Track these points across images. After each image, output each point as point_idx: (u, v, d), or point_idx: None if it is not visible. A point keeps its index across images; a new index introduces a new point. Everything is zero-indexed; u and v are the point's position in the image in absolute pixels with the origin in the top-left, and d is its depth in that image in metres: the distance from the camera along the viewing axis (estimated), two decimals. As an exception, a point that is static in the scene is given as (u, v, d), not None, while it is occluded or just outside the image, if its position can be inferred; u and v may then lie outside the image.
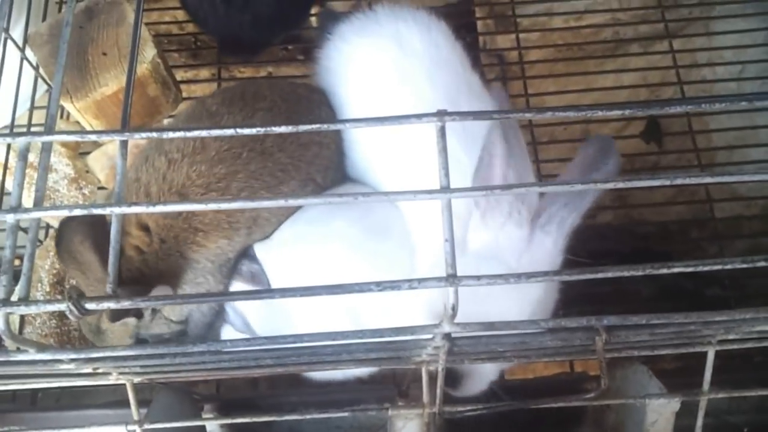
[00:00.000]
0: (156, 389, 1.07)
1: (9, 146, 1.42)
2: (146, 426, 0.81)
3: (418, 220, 1.18)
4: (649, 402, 0.91)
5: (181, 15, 1.79)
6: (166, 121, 1.57)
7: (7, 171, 1.45)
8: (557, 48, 1.82)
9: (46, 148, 0.61)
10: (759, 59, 1.71)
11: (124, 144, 0.59)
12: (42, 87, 1.51)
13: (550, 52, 1.81)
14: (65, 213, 0.56)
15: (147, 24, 1.56)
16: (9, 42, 1.38)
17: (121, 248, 0.67)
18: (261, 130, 0.61)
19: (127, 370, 0.75)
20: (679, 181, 0.63)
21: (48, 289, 1.34)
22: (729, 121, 1.66)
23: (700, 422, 0.87)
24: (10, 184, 1.45)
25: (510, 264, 1.02)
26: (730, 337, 0.78)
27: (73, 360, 0.65)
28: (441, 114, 0.63)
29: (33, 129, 1.51)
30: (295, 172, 1.19)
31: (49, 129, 0.61)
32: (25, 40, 1.43)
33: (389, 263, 1.16)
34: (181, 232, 1.12)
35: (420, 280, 0.57)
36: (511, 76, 1.80)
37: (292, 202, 0.58)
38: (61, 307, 0.54)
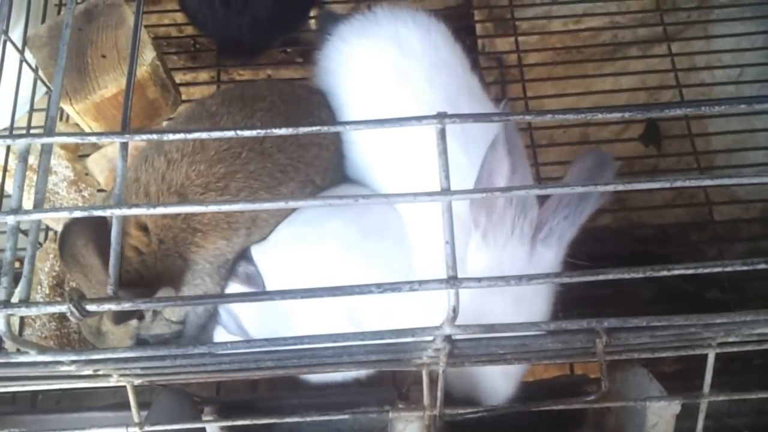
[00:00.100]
0: (156, 392, 1.07)
1: (8, 148, 1.42)
2: (147, 428, 0.81)
3: (417, 223, 1.18)
4: (649, 404, 0.91)
5: (180, 17, 1.79)
6: (165, 123, 1.57)
7: (7, 173, 1.45)
8: (556, 51, 1.82)
9: (47, 150, 0.61)
10: (757, 62, 1.72)
11: (124, 146, 0.59)
12: (41, 89, 1.51)
13: (549, 55, 1.81)
14: (66, 215, 0.56)
15: (146, 26, 1.56)
16: (8, 44, 1.38)
17: (120, 249, 0.67)
18: (261, 132, 0.61)
19: (127, 372, 0.75)
20: (678, 184, 0.63)
21: (48, 292, 1.34)
22: (728, 125, 1.66)
23: (700, 425, 0.87)
24: (9, 187, 1.45)
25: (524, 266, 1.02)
26: (730, 339, 0.78)
27: (73, 362, 0.65)
28: (441, 116, 0.63)
29: (32, 131, 1.51)
30: (294, 173, 1.19)
31: (49, 131, 0.61)
32: (25, 42, 1.43)
33: (385, 263, 1.16)
34: (179, 233, 1.12)
35: (421, 282, 0.57)
36: (509, 79, 1.80)
37: (293, 204, 0.58)
38: (62, 308, 0.54)
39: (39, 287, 1.36)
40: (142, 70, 1.37)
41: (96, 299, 0.54)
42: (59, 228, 1.47)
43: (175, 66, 1.79)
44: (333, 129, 0.64)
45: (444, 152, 0.61)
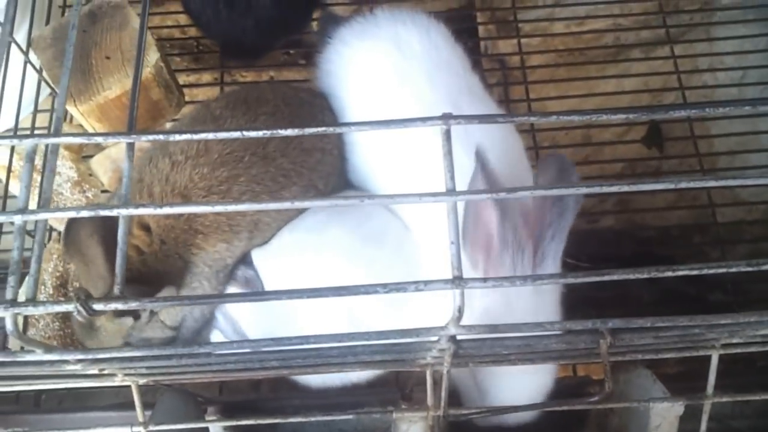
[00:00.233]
0: (159, 392, 1.07)
1: (13, 149, 1.43)
2: (151, 427, 0.81)
3: (422, 227, 1.18)
4: (652, 406, 0.91)
5: (183, 19, 1.79)
6: (168, 125, 1.57)
7: (11, 174, 1.46)
8: (559, 53, 1.82)
9: (53, 151, 0.61)
10: (760, 65, 1.72)
11: (130, 146, 0.60)
12: (44, 90, 1.52)
13: (552, 57, 1.81)
14: (73, 214, 0.56)
15: (149, 28, 1.56)
16: (12, 45, 1.38)
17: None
18: (267, 133, 0.61)
19: (132, 371, 0.75)
20: (683, 185, 0.64)
21: (51, 292, 1.34)
22: (731, 126, 1.66)
23: (704, 426, 0.87)
24: (12, 187, 1.46)
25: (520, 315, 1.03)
26: (734, 340, 0.78)
27: (79, 361, 0.65)
28: (446, 117, 0.63)
29: (36, 132, 1.51)
30: (297, 178, 1.19)
31: (56, 131, 0.61)
32: (29, 44, 1.43)
33: (386, 271, 1.16)
34: (181, 234, 1.13)
35: (426, 282, 0.57)
36: (512, 80, 1.80)
37: (298, 204, 0.58)
38: (69, 307, 0.54)
39: (43, 287, 1.36)
40: (146, 72, 1.38)
41: (103, 298, 0.55)
42: (63, 228, 1.47)
43: (178, 67, 1.79)
44: (338, 130, 0.64)
45: (449, 153, 0.61)
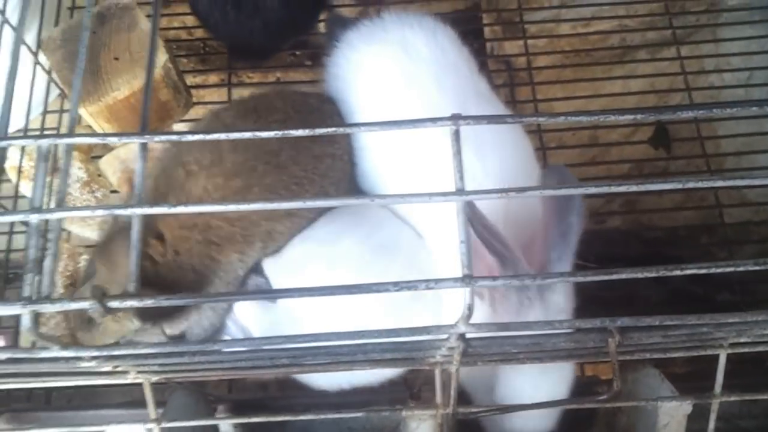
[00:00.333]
0: (170, 390, 1.08)
1: (23, 150, 1.44)
2: (164, 424, 0.82)
3: (434, 234, 1.18)
4: (661, 405, 0.91)
5: (189, 20, 1.81)
6: (176, 126, 1.58)
7: (21, 174, 1.47)
8: (565, 54, 1.82)
9: (68, 151, 0.62)
10: (767, 66, 1.72)
11: (143, 146, 0.61)
12: (54, 91, 1.53)
13: (558, 58, 1.82)
14: (88, 214, 0.57)
15: (158, 29, 1.57)
16: (22, 46, 1.39)
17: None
18: (279, 134, 0.62)
19: (145, 368, 0.76)
20: (690, 185, 0.64)
21: (62, 291, 1.36)
22: (737, 127, 1.66)
23: (712, 425, 0.88)
24: (22, 187, 1.47)
25: None
26: (742, 340, 0.78)
27: (94, 357, 0.66)
28: (455, 118, 0.64)
29: (45, 133, 1.52)
30: (309, 185, 1.20)
31: (71, 132, 0.62)
32: (38, 45, 1.44)
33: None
34: (195, 245, 1.13)
35: (437, 280, 0.58)
36: (518, 82, 1.81)
37: (310, 204, 0.59)
38: (86, 305, 0.55)
39: (53, 287, 1.37)
40: (155, 73, 1.38)
41: (118, 296, 0.56)
42: (73, 228, 1.48)
43: (184, 69, 1.80)
44: (348, 130, 0.65)
45: (458, 153, 0.61)
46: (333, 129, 0.63)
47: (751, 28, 1.74)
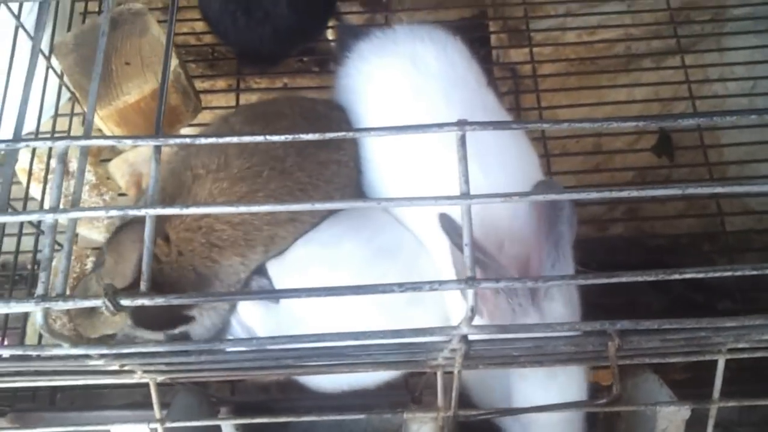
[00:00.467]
0: (174, 391, 1.10)
1: (34, 152, 1.46)
2: (168, 425, 0.83)
3: (435, 240, 1.19)
4: (659, 410, 0.92)
5: (198, 26, 1.82)
6: (185, 130, 1.60)
7: (30, 176, 1.49)
8: (570, 62, 1.84)
9: (83, 153, 0.63)
10: (771, 75, 1.73)
11: (158, 149, 0.62)
12: (65, 95, 1.55)
13: (563, 66, 1.83)
14: (102, 214, 0.58)
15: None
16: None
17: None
18: (289, 138, 0.64)
19: (152, 368, 0.77)
20: (690, 191, 0.65)
21: (68, 292, 1.37)
22: (740, 136, 1.67)
23: (710, 431, 0.89)
24: (32, 190, 1.49)
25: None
26: (740, 345, 0.79)
27: (102, 356, 0.67)
28: (461, 123, 0.65)
29: (55, 135, 1.55)
30: (314, 191, 1.22)
31: (87, 134, 0.64)
32: (51, 49, 1.46)
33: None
34: (198, 246, 1.15)
35: (441, 282, 0.59)
36: (524, 89, 1.82)
37: (318, 206, 0.60)
38: (98, 302, 0.56)
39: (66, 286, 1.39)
40: (165, 77, 1.40)
41: (130, 294, 0.57)
42: (81, 230, 1.50)
43: (193, 74, 1.82)
44: (356, 134, 0.66)
45: (464, 158, 0.63)
46: (342, 134, 0.65)
47: (756, 38, 1.76)
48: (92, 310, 1.14)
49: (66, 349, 0.65)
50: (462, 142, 0.61)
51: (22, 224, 1.50)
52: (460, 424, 0.88)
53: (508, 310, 1.02)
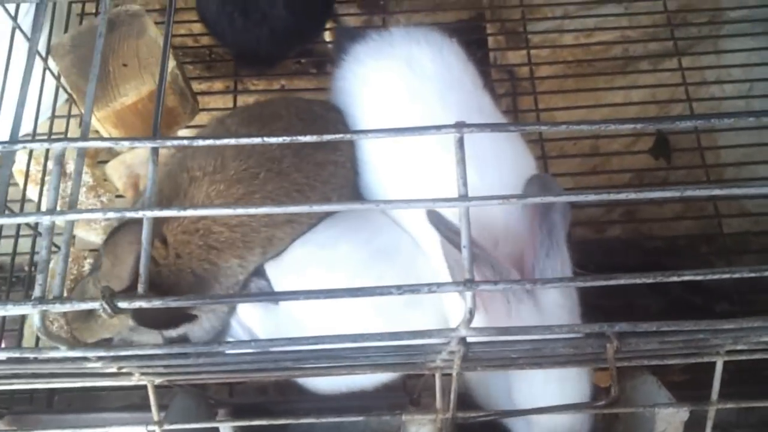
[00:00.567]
0: (172, 394, 1.09)
1: (31, 154, 1.46)
2: (166, 427, 0.83)
3: (432, 242, 1.19)
4: (658, 411, 0.92)
5: (196, 28, 1.82)
6: (182, 132, 1.60)
7: (28, 178, 1.48)
8: (567, 64, 1.84)
9: (80, 154, 0.63)
10: (767, 77, 1.73)
11: (155, 151, 0.62)
12: (61, 96, 1.55)
13: (561, 68, 1.83)
14: (99, 215, 0.58)
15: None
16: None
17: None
18: (287, 139, 0.64)
19: (150, 370, 0.77)
20: (689, 193, 0.65)
21: (66, 293, 1.37)
22: (737, 138, 1.67)
23: (708, 433, 0.89)
24: (29, 191, 1.48)
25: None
26: (739, 347, 0.79)
27: (100, 358, 0.67)
28: (459, 125, 0.65)
29: (52, 137, 1.54)
30: (311, 192, 1.22)
31: (84, 136, 0.64)
32: (48, 51, 1.46)
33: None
34: (195, 249, 1.15)
35: (439, 284, 0.59)
36: (521, 91, 1.82)
37: (317, 208, 0.60)
38: (95, 305, 0.56)
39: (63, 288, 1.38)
40: (162, 79, 1.40)
41: (127, 296, 0.57)
42: (78, 232, 1.50)
43: (190, 75, 1.81)
44: (354, 136, 0.66)
45: (462, 160, 0.63)
46: (340, 136, 0.65)
47: (753, 40, 1.76)
48: (89, 315, 1.13)
49: (63, 352, 0.64)
50: (460, 144, 0.62)
51: (19, 226, 1.49)
52: (466, 425, 0.88)
53: (503, 299, 1.02)
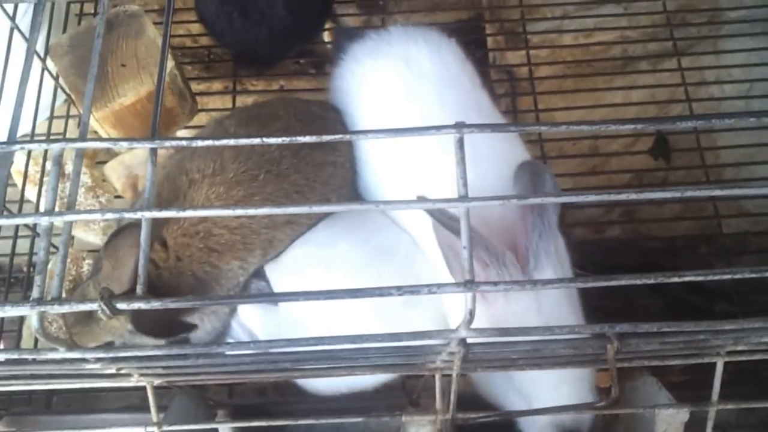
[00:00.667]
0: (171, 395, 1.09)
1: (29, 154, 1.45)
2: (165, 428, 0.82)
3: (431, 241, 1.19)
4: (658, 412, 0.92)
5: (194, 28, 1.82)
6: (181, 132, 1.60)
7: (26, 179, 1.48)
8: (567, 64, 1.84)
9: (79, 155, 0.63)
10: (767, 77, 1.73)
11: (154, 151, 0.62)
12: (60, 97, 1.54)
13: (560, 69, 1.83)
14: (98, 217, 0.58)
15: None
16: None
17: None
18: (285, 140, 0.63)
19: (149, 371, 0.76)
20: (689, 194, 0.65)
21: (65, 294, 1.36)
22: (737, 138, 1.67)
23: (709, 433, 0.88)
24: (27, 192, 1.48)
25: (533, 320, 1.04)
26: (739, 348, 0.79)
27: (99, 359, 0.67)
28: (459, 126, 0.65)
29: (51, 138, 1.54)
30: (310, 193, 1.22)
31: (82, 136, 0.63)
32: (46, 51, 1.46)
33: (395, 284, 1.18)
34: (196, 252, 1.15)
35: (439, 285, 0.59)
36: (520, 91, 1.82)
37: (316, 209, 0.60)
38: (94, 306, 0.56)
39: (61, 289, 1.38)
40: (161, 80, 1.40)
41: (126, 298, 0.57)
42: (77, 232, 1.49)
43: (189, 76, 1.81)
44: (353, 137, 0.66)
45: (462, 161, 0.63)
46: (338, 136, 0.65)
47: (752, 40, 1.76)
48: (89, 319, 1.13)
49: (62, 353, 0.64)
50: (460, 144, 0.61)
51: (17, 227, 1.49)
52: (457, 427, 0.87)
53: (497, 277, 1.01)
